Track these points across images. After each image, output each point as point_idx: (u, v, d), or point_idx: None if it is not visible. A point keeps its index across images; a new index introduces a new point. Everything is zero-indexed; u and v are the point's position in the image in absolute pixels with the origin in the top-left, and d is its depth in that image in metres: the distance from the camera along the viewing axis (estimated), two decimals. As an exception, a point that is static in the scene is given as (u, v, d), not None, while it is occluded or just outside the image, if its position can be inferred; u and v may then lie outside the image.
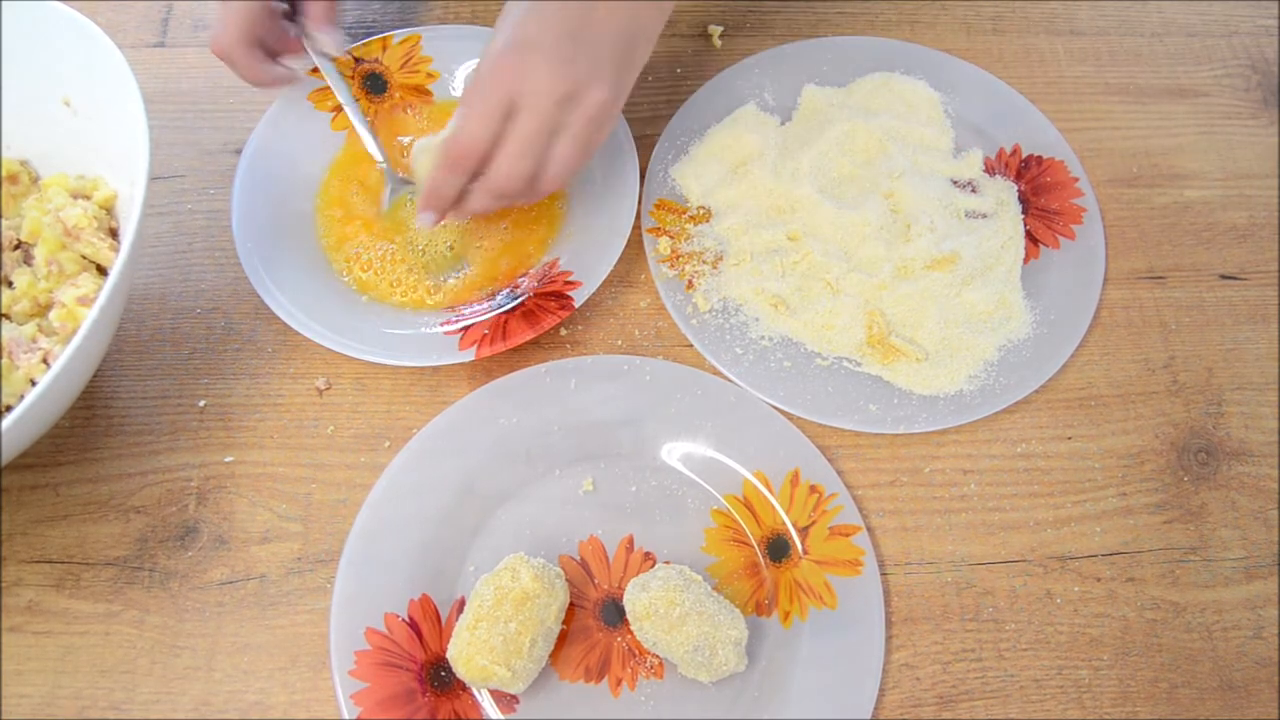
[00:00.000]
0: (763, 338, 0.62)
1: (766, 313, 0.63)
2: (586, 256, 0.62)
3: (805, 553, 0.56)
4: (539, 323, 0.59)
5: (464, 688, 0.53)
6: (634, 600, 0.52)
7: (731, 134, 0.68)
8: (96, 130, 0.58)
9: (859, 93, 0.71)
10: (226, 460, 0.59)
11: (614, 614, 0.55)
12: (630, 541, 0.56)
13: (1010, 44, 0.75)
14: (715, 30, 0.74)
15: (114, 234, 0.59)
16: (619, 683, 0.53)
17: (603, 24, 0.53)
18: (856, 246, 0.64)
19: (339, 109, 0.68)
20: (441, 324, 0.60)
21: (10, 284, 0.57)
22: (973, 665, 0.55)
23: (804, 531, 0.56)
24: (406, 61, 0.69)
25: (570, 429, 0.59)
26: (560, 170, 0.55)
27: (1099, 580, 0.57)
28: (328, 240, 0.64)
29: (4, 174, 0.59)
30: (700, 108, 0.69)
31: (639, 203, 0.64)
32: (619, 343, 0.63)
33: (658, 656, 0.53)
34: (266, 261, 0.61)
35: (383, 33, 0.70)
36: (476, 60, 0.69)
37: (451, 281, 0.63)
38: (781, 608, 0.55)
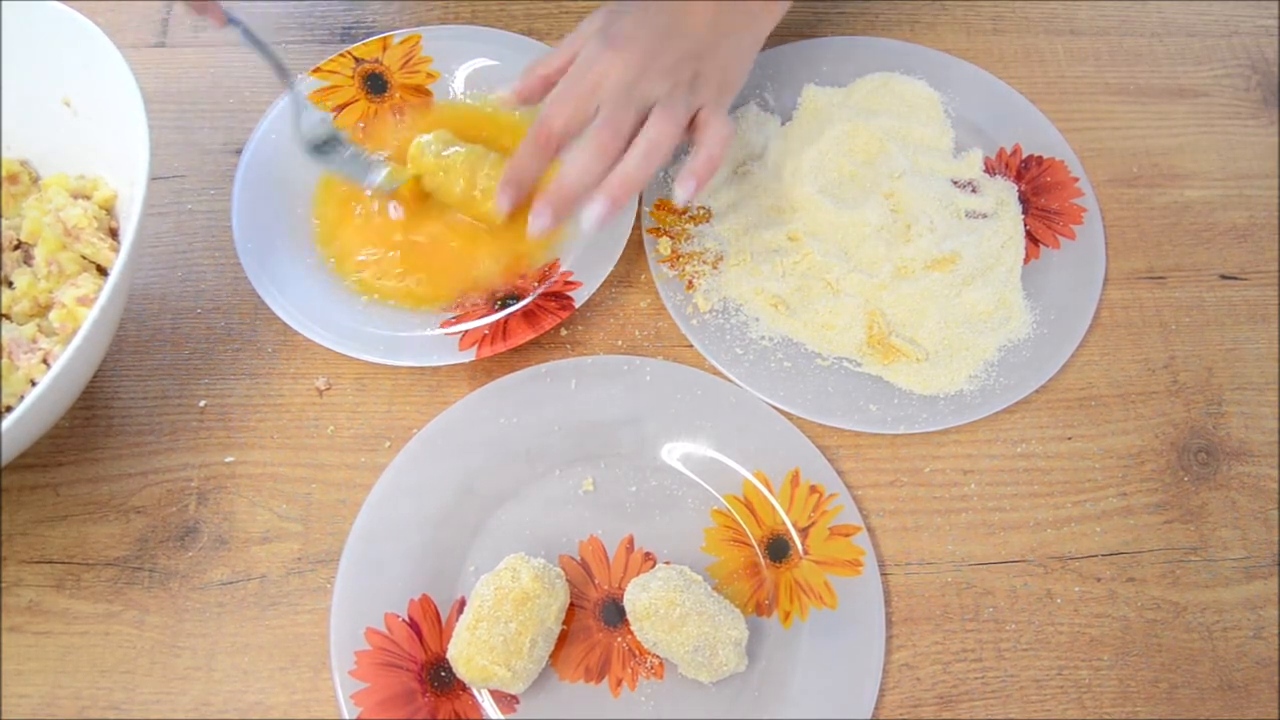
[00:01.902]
0: (763, 338, 0.62)
1: (767, 313, 0.63)
2: (587, 256, 0.62)
3: (805, 553, 0.56)
4: (539, 323, 0.59)
5: (464, 688, 0.53)
6: (634, 600, 0.52)
7: (732, 134, 0.68)
8: (96, 130, 0.58)
9: (859, 93, 0.71)
10: (226, 460, 0.59)
11: (614, 614, 0.55)
12: (630, 541, 0.56)
13: (1010, 44, 0.75)
14: (715, 30, 0.74)
15: (114, 234, 0.59)
16: (619, 683, 0.53)
17: (695, 25, 0.55)
18: (856, 246, 0.64)
19: (340, 108, 0.68)
20: (442, 324, 0.60)
21: (10, 284, 0.57)
22: (973, 665, 0.55)
23: (804, 531, 0.56)
24: (406, 61, 0.69)
25: (570, 429, 0.59)
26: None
27: (1099, 580, 0.57)
28: (328, 240, 0.64)
29: (4, 174, 0.59)
30: (700, 108, 0.69)
31: (639, 203, 0.64)
32: (619, 343, 0.63)
33: (658, 656, 0.53)
34: (266, 261, 0.61)
35: (383, 33, 0.70)
36: (478, 60, 0.70)
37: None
38: (781, 608, 0.55)
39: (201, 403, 0.60)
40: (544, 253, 0.63)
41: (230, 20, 0.59)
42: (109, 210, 0.59)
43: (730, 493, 0.58)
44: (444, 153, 0.63)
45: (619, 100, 0.54)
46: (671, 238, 0.65)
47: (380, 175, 0.63)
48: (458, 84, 0.70)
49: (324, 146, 0.64)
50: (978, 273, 0.64)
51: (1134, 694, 0.55)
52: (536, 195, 0.56)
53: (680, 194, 0.56)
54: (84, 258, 0.57)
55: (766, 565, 0.56)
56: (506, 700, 0.52)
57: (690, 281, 0.63)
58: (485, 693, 0.53)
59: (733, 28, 0.57)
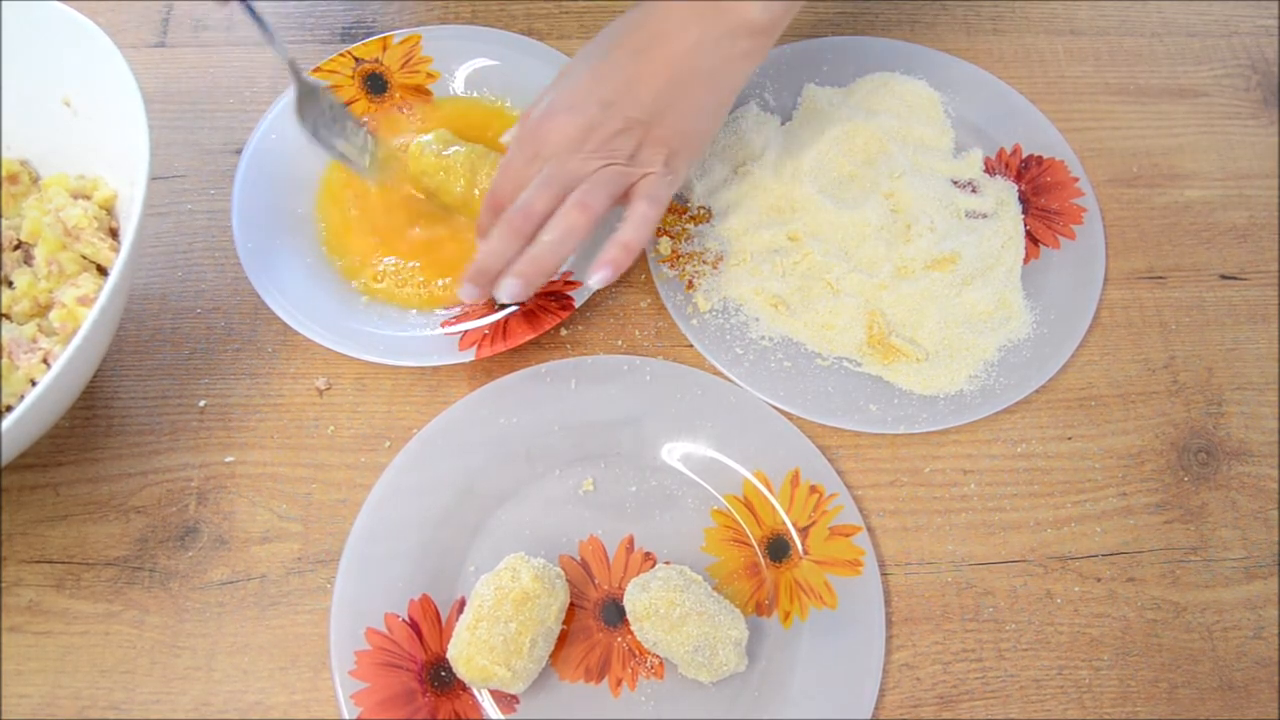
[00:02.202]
0: (763, 338, 0.62)
1: (767, 313, 0.63)
2: (587, 256, 0.62)
3: (805, 553, 0.56)
4: (539, 323, 0.59)
5: (464, 688, 0.53)
6: (634, 600, 0.52)
7: (732, 134, 0.68)
8: (96, 130, 0.58)
9: (859, 93, 0.71)
10: (226, 460, 0.59)
11: (614, 614, 0.55)
12: (630, 541, 0.56)
13: (1010, 44, 0.75)
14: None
15: (114, 234, 0.59)
16: (619, 683, 0.53)
17: (644, 92, 0.54)
18: (856, 246, 0.64)
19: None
20: (442, 324, 0.60)
21: (10, 284, 0.57)
22: (973, 665, 0.55)
23: (804, 531, 0.56)
24: (406, 61, 0.69)
25: (570, 429, 0.59)
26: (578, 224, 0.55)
27: (1099, 580, 0.57)
28: (327, 240, 0.64)
29: (4, 174, 0.59)
30: (700, 108, 0.69)
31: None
32: (619, 343, 0.63)
33: (658, 656, 0.53)
34: (266, 261, 0.61)
35: (383, 33, 0.70)
36: (478, 60, 0.70)
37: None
38: (781, 608, 0.55)
39: (201, 403, 0.60)
40: None
41: None
42: (109, 210, 0.59)
43: (730, 493, 0.58)
44: (444, 152, 0.63)
45: (545, 179, 0.54)
46: (671, 237, 0.65)
47: (366, 161, 0.63)
48: (458, 84, 0.70)
49: (324, 125, 0.62)
50: (978, 273, 0.64)
51: (1134, 694, 0.55)
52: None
53: (592, 281, 0.55)
54: (84, 258, 0.57)
55: (766, 565, 0.56)
56: (506, 700, 0.52)
57: (690, 281, 0.63)
58: (485, 693, 0.53)
59: (690, 91, 0.55)
